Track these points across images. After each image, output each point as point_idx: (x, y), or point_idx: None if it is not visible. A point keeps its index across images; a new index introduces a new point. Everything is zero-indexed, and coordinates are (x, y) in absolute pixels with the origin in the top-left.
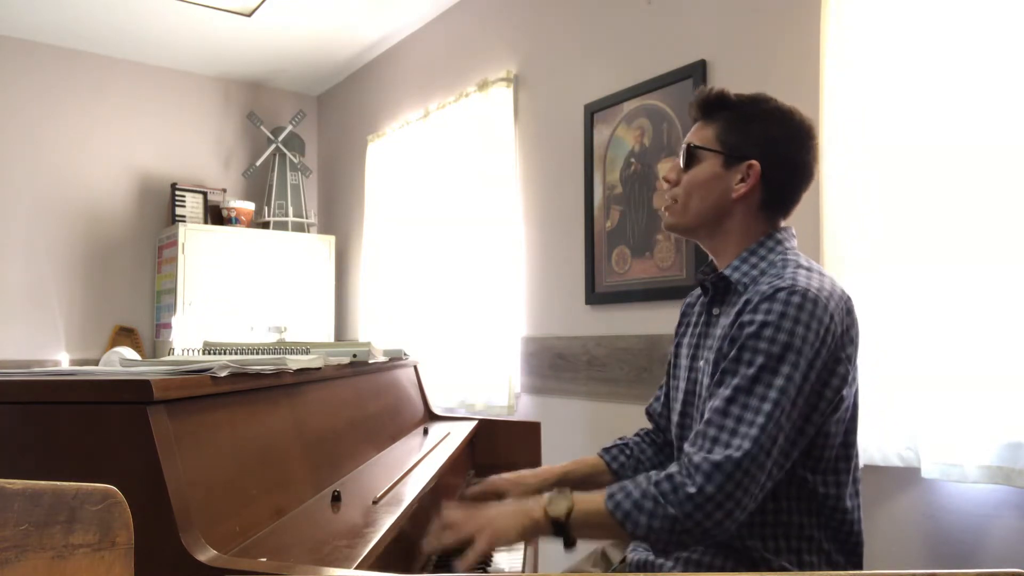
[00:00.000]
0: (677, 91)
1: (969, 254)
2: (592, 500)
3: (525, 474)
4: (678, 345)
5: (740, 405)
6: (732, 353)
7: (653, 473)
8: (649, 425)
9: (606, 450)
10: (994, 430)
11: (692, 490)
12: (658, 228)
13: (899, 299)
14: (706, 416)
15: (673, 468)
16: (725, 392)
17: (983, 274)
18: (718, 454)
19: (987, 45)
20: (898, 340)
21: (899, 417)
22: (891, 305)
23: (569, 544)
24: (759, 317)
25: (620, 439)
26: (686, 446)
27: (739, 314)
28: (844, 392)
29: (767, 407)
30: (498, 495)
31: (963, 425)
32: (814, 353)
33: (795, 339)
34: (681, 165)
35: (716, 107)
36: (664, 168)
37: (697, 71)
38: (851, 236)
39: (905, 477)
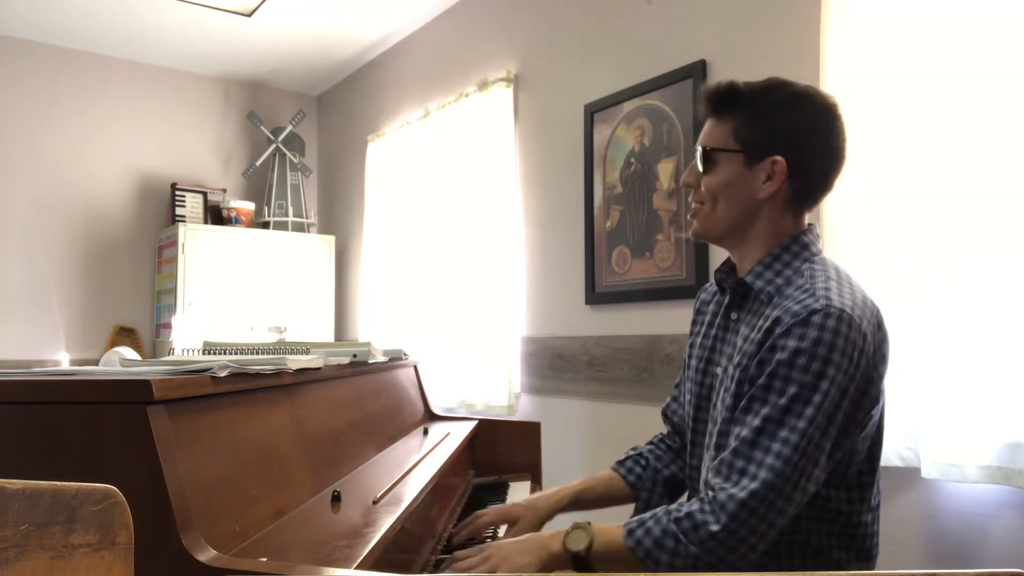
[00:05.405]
0: (677, 91)
1: (969, 254)
2: (612, 534)
3: (538, 497)
4: (691, 345)
5: (769, 436)
6: (762, 380)
7: (673, 508)
8: (664, 428)
9: (620, 463)
10: (994, 430)
11: (715, 528)
12: (658, 228)
13: (899, 299)
14: (733, 445)
15: (695, 505)
16: (755, 422)
17: (983, 274)
18: (743, 490)
19: (988, 44)
20: (898, 340)
21: (899, 417)
22: (891, 305)
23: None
24: (792, 343)
25: (633, 449)
26: (710, 476)
27: (767, 332)
28: (873, 411)
29: (795, 438)
30: (511, 521)
31: (963, 425)
32: (848, 379)
33: (829, 367)
34: (699, 168)
35: (728, 102)
36: (666, 169)
37: (697, 71)
38: (851, 236)
39: (905, 477)
